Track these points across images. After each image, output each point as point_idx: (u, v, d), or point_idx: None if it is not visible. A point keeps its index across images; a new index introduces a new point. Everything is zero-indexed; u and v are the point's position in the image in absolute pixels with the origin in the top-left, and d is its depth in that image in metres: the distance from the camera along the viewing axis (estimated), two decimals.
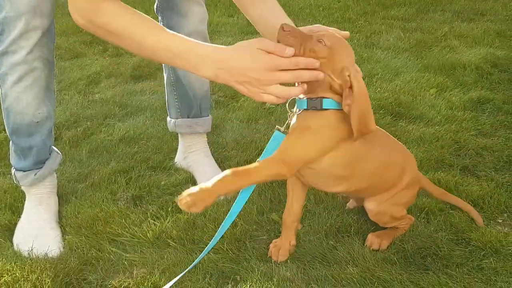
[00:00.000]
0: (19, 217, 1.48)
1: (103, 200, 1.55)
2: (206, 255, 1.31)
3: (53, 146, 1.51)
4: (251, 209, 1.48)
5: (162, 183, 1.64)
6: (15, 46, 1.28)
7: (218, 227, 1.41)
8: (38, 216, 1.45)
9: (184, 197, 1.01)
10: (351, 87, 1.04)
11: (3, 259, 1.33)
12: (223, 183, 1.03)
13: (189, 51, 1.02)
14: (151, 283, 1.23)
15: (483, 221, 1.38)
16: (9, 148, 1.49)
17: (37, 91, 1.35)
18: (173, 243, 1.37)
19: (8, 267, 1.29)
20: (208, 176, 1.66)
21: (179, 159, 1.77)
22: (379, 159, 1.21)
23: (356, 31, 3.07)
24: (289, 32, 1.02)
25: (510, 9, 3.33)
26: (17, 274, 1.26)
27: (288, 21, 1.19)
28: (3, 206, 1.55)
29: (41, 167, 1.47)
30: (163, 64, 1.73)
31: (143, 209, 1.52)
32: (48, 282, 1.24)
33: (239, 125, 2.00)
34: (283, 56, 1.00)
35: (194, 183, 1.66)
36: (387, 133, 1.29)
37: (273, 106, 2.13)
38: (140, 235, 1.40)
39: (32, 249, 1.36)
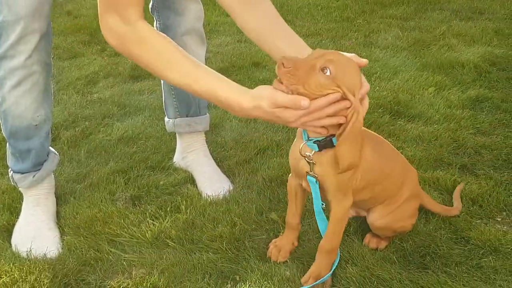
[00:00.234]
0: (17, 217, 1.48)
1: (101, 200, 1.55)
2: (205, 254, 1.31)
3: (50, 147, 1.51)
4: (250, 209, 1.48)
5: (161, 183, 1.64)
6: (13, 51, 1.27)
7: (217, 227, 1.42)
8: (36, 217, 1.44)
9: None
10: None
11: (1, 260, 1.32)
12: (330, 256, 1.18)
13: (213, 96, 1.04)
14: (150, 283, 1.23)
15: (482, 220, 1.39)
16: (6, 149, 1.48)
17: (35, 95, 1.34)
18: (172, 243, 1.37)
19: (7, 268, 1.29)
20: (207, 175, 1.67)
21: (177, 159, 1.76)
22: (384, 171, 1.20)
23: (354, 30, 3.07)
24: (290, 70, 0.96)
25: (508, 8, 3.33)
26: (15, 275, 1.26)
27: (305, 48, 1.15)
28: (1, 206, 1.54)
29: (39, 169, 1.46)
30: None
31: (142, 209, 1.51)
32: (47, 283, 1.23)
33: (238, 125, 2.00)
34: (300, 109, 0.97)
35: (193, 182, 1.66)
36: (392, 146, 1.29)
37: None
38: (139, 235, 1.40)
39: (30, 250, 1.36)
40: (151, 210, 1.50)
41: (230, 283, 1.22)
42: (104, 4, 1.02)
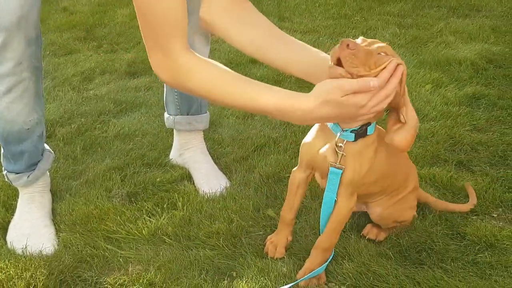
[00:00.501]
0: (13, 214, 1.47)
1: (97, 197, 1.54)
2: (202, 251, 1.31)
3: (45, 145, 1.50)
4: (247, 205, 1.48)
5: (158, 179, 1.64)
6: (1, 58, 1.23)
7: (214, 224, 1.42)
8: (31, 215, 1.44)
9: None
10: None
11: None
12: (325, 254, 1.19)
13: (274, 106, 1.01)
14: (147, 279, 1.23)
15: (478, 216, 1.39)
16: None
17: (27, 100, 1.32)
18: (169, 240, 1.36)
19: (2, 265, 1.28)
20: (204, 172, 1.66)
21: (174, 155, 1.76)
22: (393, 164, 1.22)
23: (352, 27, 3.06)
24: (354, 51, 0.95)
25: (505, 5, 3.33)
26: (11, 272, 1.26)
27: (313, 51, 1.16)
28: None
29: (34, 169, 1.45)
30: None
31: (138, 206, 1.51)
32: (42, 280, 1.23)
33: (235, 122, 2.00)
34: (370, 90, 0.96)
35: (190, 179, 1.65)
36: None
37: None
38: (135, 232, 1.39)
39: (26, 247, 1.35)
40: (148, 207, 1.50)
41: (227, 279, 1.22)
42: (148, 42, 0.99)
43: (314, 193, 1.51)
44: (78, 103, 2.22)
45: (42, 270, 1.26)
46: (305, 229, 1.38)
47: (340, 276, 1.21)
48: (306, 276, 1.17)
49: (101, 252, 1.32)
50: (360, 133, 1.10)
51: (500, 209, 1.42)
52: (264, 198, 1.52)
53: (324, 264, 1.19)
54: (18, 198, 1.50)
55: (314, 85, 1.02)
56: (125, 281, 1.23)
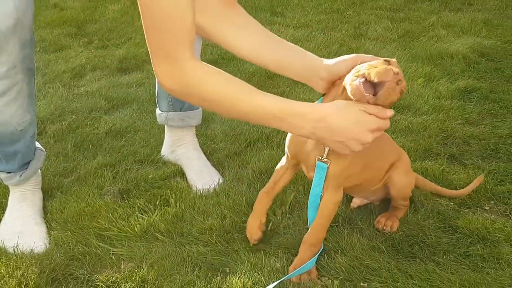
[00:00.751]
0: (4, 213, 1.46)
1: (89, 194, 1.53)
2: (195, 247, 1.31)
3: (37, 143, 1.48)
4: (240, 201, 1.47)
5: (150, 176, 1.63)
6: None
7: (207, 220, 1.41)
8: (22, 213, 1.42)
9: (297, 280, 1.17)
10: None
11: None
12: (313, 249, 1.20)
13: (286, 110, 1.01)
14: (139, 277, 1.22)
15: (470, 209, 1.40)
16: None
17: (21, 102, 1.31)
18: (161, 237, 1.36)
19: None
20: (197, 169, 1.65)
21: (166, 152, 1.74)
22: (381, 149, 1.25)
23: (344, 22, 3.06)
24: (396, 84, 0.98)
25: None
26: (2, 270, 1.24)
27: (302, 52, 1.16)
28: None
29: (26, 168, 1.44)
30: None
31: (131, 203, 1.50)
32: (34, 278, 1.22)
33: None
34: (384, 118, 1.01)
35: (183, 176, 1.65)
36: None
37: None
38: (128, 229, 1.38)
39: (17, 245, 1.34)
40: (140, 204, 1.49)
41: (220, 275, 1.22)
42: (153, 52, 0.96)
43: (307, 188, 1.51)
44: (69, 99, 2.20)
45: (34, 269, 1.25)
46: (298, 224, 1.37)
47: (333, 270, 1.21)
48: (296, 272, 1.17)
49: (93, 250, 1.31)
50: None
51: (492, 202, 1.43)
52: (257, 194, 1.51)
53: (313, 259, 1.19)
54: (8, 195, 1.48)
55: (306, 85, 1.02)
56: (117, 278, 1.22)
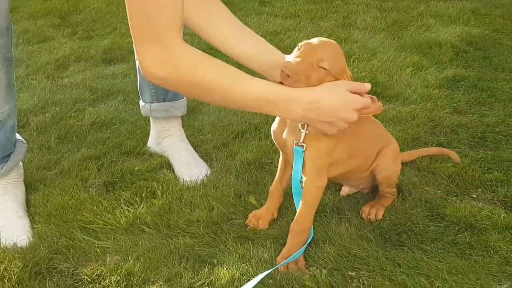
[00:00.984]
0: None
1: (73, 187, 1.50)
2: (182, 239, 1.29)
3: (17, 135, 1.45)
4: (228, 193, 1.45)
5: (136, 168, 1.60)
6: None
7: (194, 212, 1.39)
8: (4, 206, 1.39)
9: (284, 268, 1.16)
10: None
11: None
12: (300, 238, 1.19)
13: (278, 94, 1.01)
14: (125, 269, 1.20)
15: (458, 197, 1.40)
16: None
17: None
18: (148, 229, 1.34)
19: None
20: (184, 161, 1.63)
21: (152, 144, 1.72)
22: (370, 131, 1.27)
23: (333, 12, 3.04)
24: (295, 78, 1.03)
25: None
26: None
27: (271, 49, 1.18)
28: None
29: (7, 161, 1.41)
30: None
31: (116, 195, 1.47)
32: (17, 272, 1.19)
33: (216, 108, 1.96)
34: (365, 92, 1.07)
35: (170, 167, 1.62)
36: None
37: None
38: (113, 222, 1.36)
39: None
40: (126, 196, 1.46)
41: (208, 266, 1.21)
42: (140, 36, 0.90)
43: None
44: (53, 91, 2.16)
45: (17, 262, 1.22)
46: (286, 214, 1.36)
47: (321, 260, 1.20)
48: (284, 262, 1.16)
49: (77, 243, 1.29)
50: None
51: (480, 190, 1.43)
52: (246, 185, 1.50)
53: (302, 249, 1.18)
54: None
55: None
56: (102, 271, 1.20)
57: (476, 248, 1.21)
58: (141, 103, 1.68)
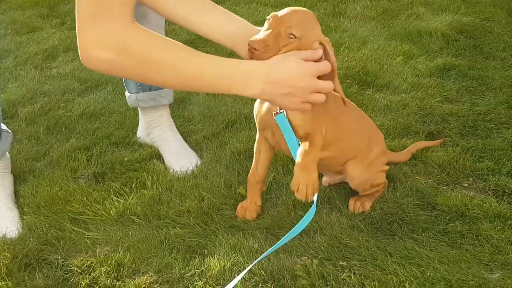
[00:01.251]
0: None
1: (62, 178, 1.49)
2: (173, 230, 1.28)
3: (2, 125, 1.43)
4: (218, 183, 1.45)
5: (126, 159, 1.59)
6: None
7: (185, 202, 1.38)
8: None
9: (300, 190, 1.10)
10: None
11: None
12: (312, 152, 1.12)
13: (232, 66, 0.99)
14: (115, 260, 1.19)
15: (449, 186, 1.40)
16: None
17: None
18: (138, 220, 1.33)
19: None
20: (174, 151, 1.62)
21: (141, 134, 1.70)
22: (352, 125, 1.25)
23: (323, 0, 3.01)
24: (263, 50, 1.01)
25: None
26: None
27: (230, 16, 1.13)
28: None
29: None
30: None
31: (106, 186, 1.46)
32: (6, 264, 1.19)
33: (205, 98, 1.95)
34: (317, 58, 1.05)
35: (159, 158, 1.61)
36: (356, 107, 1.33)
37: None
38: (103, 212, 1.35)
39: None
40: (116, 187, 1.45)
41: (198, 257, 1.20)
42: (87, 13, 0.85)
43: (286, 168, 1.50)
44: (41, 82, 2.13)
45: (6, 254, 1.21)
46: (277, 205, 1.36)
47: (312, 250, 1.20)
48: (292, 231, 1.07)
49: (67, 234, 1.28)
50: None
51: (471, 179, 1.44)
52: (236, 175, 1.49)
53: (313, 210, 1.11)
54: None
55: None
56: (92, 262, 1.19)
57: (468, 237, 1.22)
58: (127, 94, 1.66)
